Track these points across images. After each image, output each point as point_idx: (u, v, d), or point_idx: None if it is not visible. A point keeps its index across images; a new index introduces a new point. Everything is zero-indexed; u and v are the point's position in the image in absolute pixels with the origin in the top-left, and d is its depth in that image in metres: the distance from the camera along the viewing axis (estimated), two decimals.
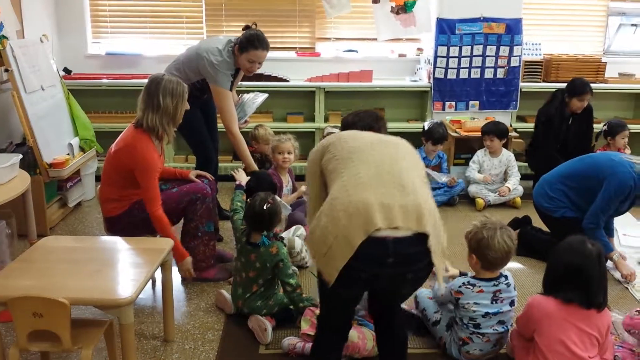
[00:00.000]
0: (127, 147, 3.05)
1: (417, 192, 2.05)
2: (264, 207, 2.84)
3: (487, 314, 2.56)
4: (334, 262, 1.96)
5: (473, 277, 2.63)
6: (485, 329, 2.57)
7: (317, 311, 2.45)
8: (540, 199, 3.74)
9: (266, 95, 4.28)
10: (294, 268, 3.30)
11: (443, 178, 4.70)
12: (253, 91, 4.35)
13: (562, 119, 4.74)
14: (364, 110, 2.63)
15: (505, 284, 2.61)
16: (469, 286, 2.58)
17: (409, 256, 2.00)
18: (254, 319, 2.84)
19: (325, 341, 2.28)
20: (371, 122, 2.51)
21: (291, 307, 2.90)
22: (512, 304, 2.62)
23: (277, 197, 3.08)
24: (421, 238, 1.98)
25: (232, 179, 3.45)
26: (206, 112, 3.96)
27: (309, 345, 2.58)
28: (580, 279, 2.35)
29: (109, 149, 3.16)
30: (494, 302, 2.57)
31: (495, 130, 4.77)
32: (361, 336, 2.60)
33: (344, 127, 2.56)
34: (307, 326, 2.67)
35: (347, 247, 1.94)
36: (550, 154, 4.67)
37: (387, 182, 2.06)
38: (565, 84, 4.81)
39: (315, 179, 2.29)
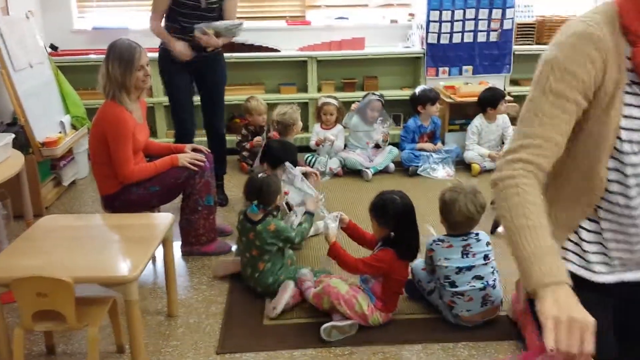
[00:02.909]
0: (98, 120, 3.02)
1: None
2: (259, 176, 2.89)
3: (459, 269, 2.59)
4: None
5: (443, 235, 2.71)
6: (462, 285, 2.58)
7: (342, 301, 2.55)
8: None
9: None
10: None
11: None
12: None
13: None
14: None
15: (475, 239, 2.64)
16: (438, 242, 2.66)
17: None
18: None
19: None
20: None
21: None
22: (485, 257, 2.62)
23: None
24: None
25: None
26: (205, 84, 3.86)
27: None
28: None
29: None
30: (464, 256, 2.60)
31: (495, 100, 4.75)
32: (352, 292, 2.59)
33: None
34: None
35: None
36: None
37: None
38: None
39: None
